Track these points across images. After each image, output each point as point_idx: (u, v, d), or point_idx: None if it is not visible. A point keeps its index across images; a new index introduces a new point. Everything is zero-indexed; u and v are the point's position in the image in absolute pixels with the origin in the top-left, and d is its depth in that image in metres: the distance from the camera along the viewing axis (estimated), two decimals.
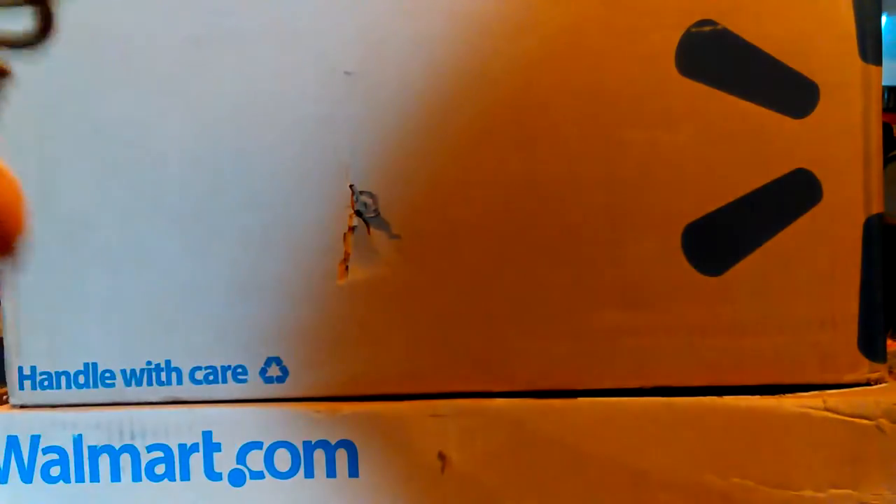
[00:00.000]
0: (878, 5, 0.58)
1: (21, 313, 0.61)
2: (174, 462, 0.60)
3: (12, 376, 0.61)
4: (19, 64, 0.63)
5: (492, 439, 0.59)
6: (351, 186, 0.60)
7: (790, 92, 0.58)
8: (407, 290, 0.60)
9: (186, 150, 0.60)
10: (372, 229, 0.60)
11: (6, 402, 0.62)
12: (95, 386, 0.61)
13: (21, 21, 0.25)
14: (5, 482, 0.60)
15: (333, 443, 0.59)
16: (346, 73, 0.59)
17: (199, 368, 0.61)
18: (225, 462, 0.59)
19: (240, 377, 0.60)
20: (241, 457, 0.59)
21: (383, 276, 0.60)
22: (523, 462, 0.59)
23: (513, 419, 0.59)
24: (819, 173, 0.59)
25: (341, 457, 0.59)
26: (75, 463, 0.60)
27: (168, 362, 0.61)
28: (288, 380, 0.60)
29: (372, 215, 0.60)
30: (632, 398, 0.59)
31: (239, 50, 0.59)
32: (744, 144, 0.59)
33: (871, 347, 0.59)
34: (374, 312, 0.60)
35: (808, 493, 0.57)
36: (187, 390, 0.61)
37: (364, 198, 0.60)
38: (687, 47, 0.58)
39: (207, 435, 0.59)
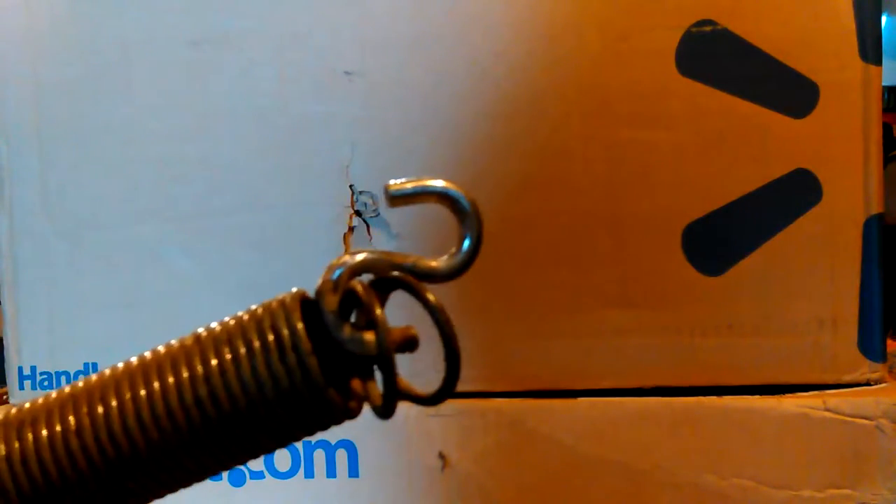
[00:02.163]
0: (878, 5, 0.58)
1: (21, 313, 0.61)
2: None
3: (12, 376, 0.61)
4: (18, 60, 0.63)
5: (492, 439, 0.59)
6: (351, 186, 0.60)
7: (790, 92, 0.58)
8: None
9: (186, 150, 0.60)
10: (372, 229, 0.60)
11: (6, 402, 0.62)
12: None
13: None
14: None
15: (333, 443, 0.59)
16: (346, 73, 0.59)
17: None
18: None
19: None
20: None
21: None
22: (523, 462, 0.59)
23: (513, 419, 0.59)
24: (819, 173, 0.59)
25: (341, 457, 0.59)
26: None
27: None
28: None
29: (372, 215, 0.60)
30: (632, 398, 0.59)
31: (239, 50, 0.59)
32: (744, 144, 0.59)
33: (871, 347, 0.59)
34: None
35: (807, 493, 0.57)
36: None
37: (364, 198, 0.60)
38: (687, 47, 0.58)
39: None
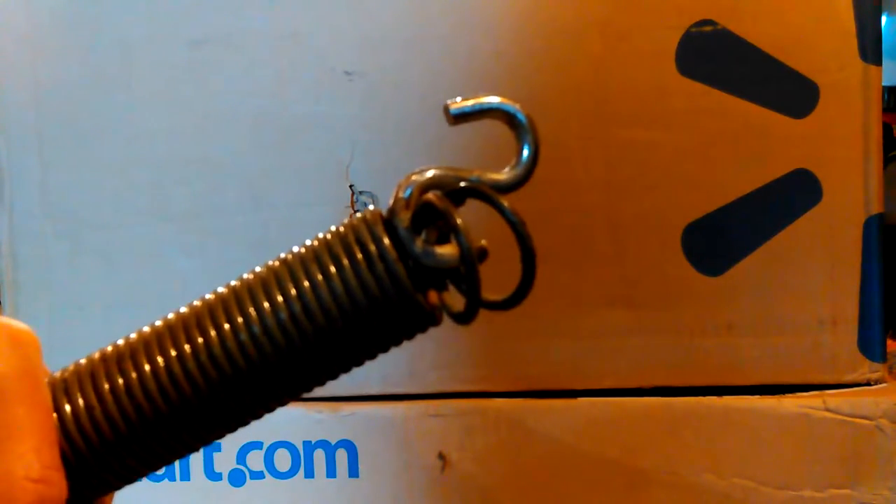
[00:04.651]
0: (878, 5, 0.58)
1: (21, 313, 0.61)
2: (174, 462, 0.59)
3: None
4: (17, 59, 0.62)
5: (492, 439, 0.59)
6: (351, 186, 0.60)
7: (790, 92, 0.58)
8: None
9: (186, 150, 0.60)
10: None
11: None
12: None
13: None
14: None
15: (333, 443, 0.59)
16: (346, 73, 0.59)
17: None
18: (225, 462, 0.59)
19: None
20: (241, 457, 0.59)
21: None
22: (523, 462, 0.59)
23: (513, 419, 0.59)
24: (819, 173, 0.59)
25: (341, 457, 0.59)
26: None
27: None
28: None
29: None
30: (632, 398, 0.59)
31: (239, 50, 0.59)
32: (744, 144, 0.59)
33: (871, 347, 0.59)
34: None
35: (807, 493, 0.57)
36: None
37: (364, 198, 0.60)
38: (687, 47, 0.58)
39: None
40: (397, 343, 0.30)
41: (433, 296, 0.30)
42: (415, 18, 0.59)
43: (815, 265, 0.59)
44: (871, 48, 0.58)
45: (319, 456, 0.59)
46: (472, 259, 0.29)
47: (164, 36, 0.60)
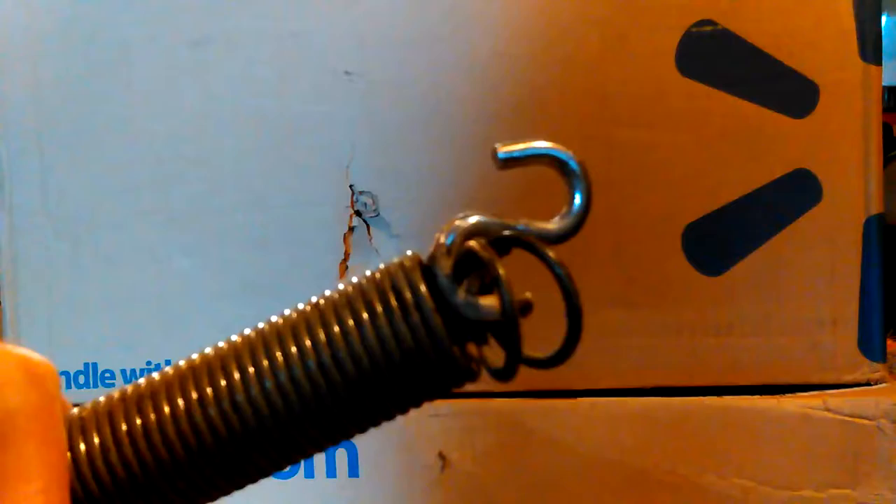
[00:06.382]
0: (878, 5, 0.58)
1: (21, 313, 0.61)
2: None
3: None
4: (18, 60, 0.63)
5: (492, 439, 0.59)
6: (351, 186, 0.60)
7: (790, 92, 0.58)
8: None
9: (186, 150, 0.60)
10: (372, 229, 0.60)
11: None
12: (95, 386, 0.61)
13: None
14: None
15: None
16: (346, 73, 0.59)
17: None
18: None
19: None
20: None
21: None
22: (523, 462, 0.59)
23: (513, 419, 0.59)
24: (819, 173, 0.59)
25: (341, 457, 0.59)
26: None
27: (168, 362, 0.60)
28: None
29: (372, 215, 0.60)
30: (632, 398, 0.59)
31: (239, 50, 0.59)
32: (744, 144, 0.59)
33: (871, 347, 0.59)
34: None
35: (808, 493, 0.57)
36: None
37: (364, 198, 0.60)
38: (687, 47, 0.58)
39: None
40: (431, 398, 0.28)
41: (472, 349, 0.28)
42: (415, 18, 0.59)
43: (815, 265, 0.59)
44: (871, 48, 0.58)
45: (319, 456, 0.59)
46: (513, 314, 0.27)
47: (164, 36, 0.60)
